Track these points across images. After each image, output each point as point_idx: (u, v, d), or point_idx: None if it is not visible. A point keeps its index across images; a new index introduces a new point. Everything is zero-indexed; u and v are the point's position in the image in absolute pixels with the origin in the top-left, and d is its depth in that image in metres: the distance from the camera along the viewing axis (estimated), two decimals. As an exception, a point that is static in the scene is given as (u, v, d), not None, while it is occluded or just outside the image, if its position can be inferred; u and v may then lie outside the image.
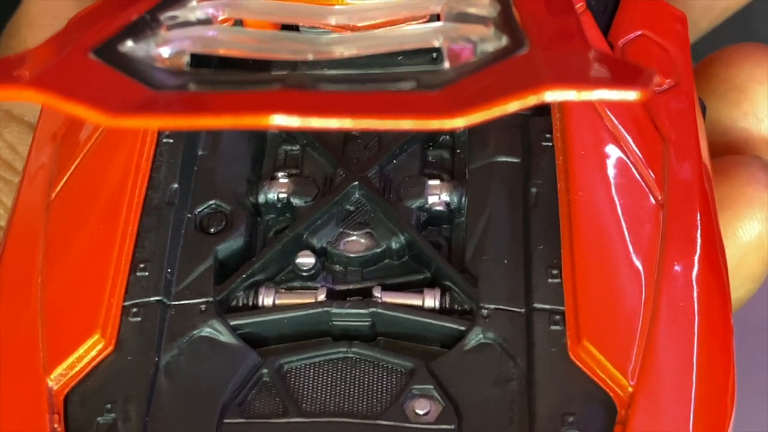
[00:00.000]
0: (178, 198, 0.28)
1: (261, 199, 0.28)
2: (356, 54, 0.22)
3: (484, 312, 0.26)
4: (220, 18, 0.24)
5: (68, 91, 0.19)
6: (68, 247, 0.27)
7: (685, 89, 0.29)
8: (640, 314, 0.25)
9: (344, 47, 0.22)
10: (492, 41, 0.21)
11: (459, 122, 0.18)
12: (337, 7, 0.24)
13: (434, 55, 0.26)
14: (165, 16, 0.24)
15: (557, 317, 0.25)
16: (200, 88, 0.20)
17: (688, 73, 0.30)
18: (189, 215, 0.28)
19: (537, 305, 0.26)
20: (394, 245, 0.28)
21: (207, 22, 0.24)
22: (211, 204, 0.28)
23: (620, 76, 0.19)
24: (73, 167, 0.28)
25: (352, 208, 0.28)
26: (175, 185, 0.28)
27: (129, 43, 0.22)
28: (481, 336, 0.26)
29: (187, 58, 0.22)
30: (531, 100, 0.18)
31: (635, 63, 0.19)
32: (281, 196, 0.28)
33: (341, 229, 0.28)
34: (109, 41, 0.22)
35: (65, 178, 0.28)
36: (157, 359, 0.25)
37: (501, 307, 0.26)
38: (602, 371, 0.24)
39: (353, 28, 0.24)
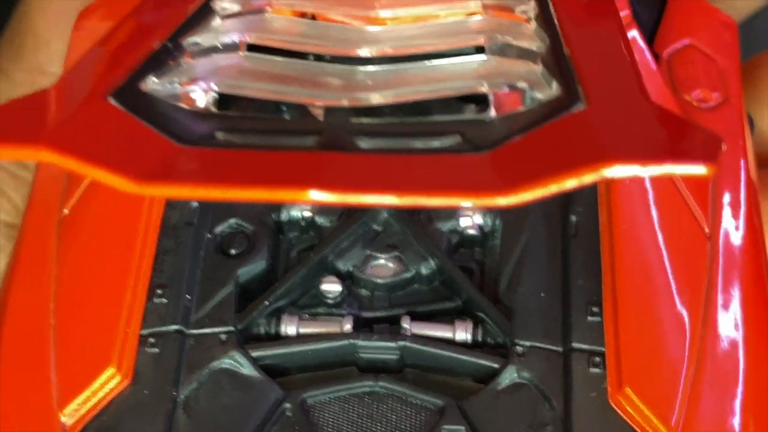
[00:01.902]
0: (198, 217, 0.26)
1: (284, 217, 0.27)
2: (393, 102, 0.20)
3: (519, 349, 0.25)
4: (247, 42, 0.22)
5: (88, 152, 0.18)
6: (82, 269, 0.26)
7: (734, 105, 0.28)
8: (684, 359, 0.24)
9: (381, 94, 0.20)
10: (542, 88, 0.20)
11: (512, 200, 0.16)
12: (370, 29, 0.23)
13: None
14: (188, 41, 0.22)
15: (597, 359, 0.24)
16: (228, 138, 0.19)
17: (737, 86, 0.28)
18: (209, 235, 0.26)
19: (576, 345, 0.24)
20: (423, 271, 0.26)
21: (233, 47, 0.22)
22: (232, 223, 0.27)
23: (687, 149, 0.17)
24: (86, 181, 0.26)
25: (379, 229, 0.27)
26: (195, 203, 0.26)
27: (152, 80, 0.20)
28: (516, 375, 0.24)
29: (212, 98, 0.20)
30: (589, 178, 0.17)
31: (702, 129, 0.18)
32: (305, 214, 0.27)
33: (368, 252, 0.27)
34: (130, 80, 0.20)
35: (78, 193, 0.26)
36: (175, 393, 0.24)
37: (537, 344, 0.25)
38: (644, 421, 0.23)
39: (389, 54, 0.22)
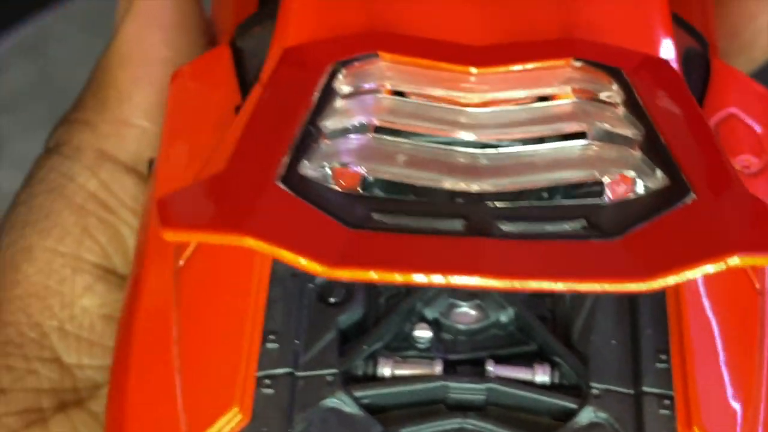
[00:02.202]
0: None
1: None
2: (519, 188, 0.23)
3: (595, 391, 0.28)
4: (375, 124, 0.25)
5: (280, 238, 0.20)
6: (201, 317, 0.28)
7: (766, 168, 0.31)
8: (744, 402, 0.27)
9: (509, 180, 0.23)
10: (647, 175, 0.23)
11: (651, 287, 0.20)
12: (475, 112, 0.26)
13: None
14: (324, 125, 0.25)
15: (666, 402, 0.27)
16: (386, 220, 0.22)
17: None
18: (311, 285, 0.29)
19: (646, 389, 0.27)
20: (502, 318, 0.29)
21: (362, 129, 0.25)
22: None
23: None
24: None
25: None
26: None
27: (306, 164, 0.23)
28: (593, 415, 0.27)
29: (359, 180, 0.23)
30: (720, 267, 0.20)
31: None
32: None
33: (451, 300, 0.29)
34: (290, 165, 0.23)
35: (191, 247, 0.29)
36: (290, 431, 0.27)
37: (611, 387, 0.28)
38: (711, 458, 0.26)
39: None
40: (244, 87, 0.32)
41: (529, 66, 0.28)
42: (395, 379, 0.28)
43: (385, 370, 0.29)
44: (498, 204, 0.23)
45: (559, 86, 0.27)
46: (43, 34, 0.81)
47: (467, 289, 0.26)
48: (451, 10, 0.30)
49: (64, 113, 0.37)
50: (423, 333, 0.29)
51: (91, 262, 0.34)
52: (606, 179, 0.23)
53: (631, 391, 0.28)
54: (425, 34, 0.29)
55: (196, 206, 0.21)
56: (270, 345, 0.28)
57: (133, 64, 0.35)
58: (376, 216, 0.22)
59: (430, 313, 0.29)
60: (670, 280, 0.19)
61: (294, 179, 0.22)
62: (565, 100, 0.26)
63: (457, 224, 0.22)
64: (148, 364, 0.28)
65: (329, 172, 0.23)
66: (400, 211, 0.22)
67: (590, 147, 0.25)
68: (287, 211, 0.21)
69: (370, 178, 0.24)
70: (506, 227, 0.21)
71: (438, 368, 0.28)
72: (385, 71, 0.27)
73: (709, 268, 0.20)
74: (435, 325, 0.29)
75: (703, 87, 0.32)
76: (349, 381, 0.28)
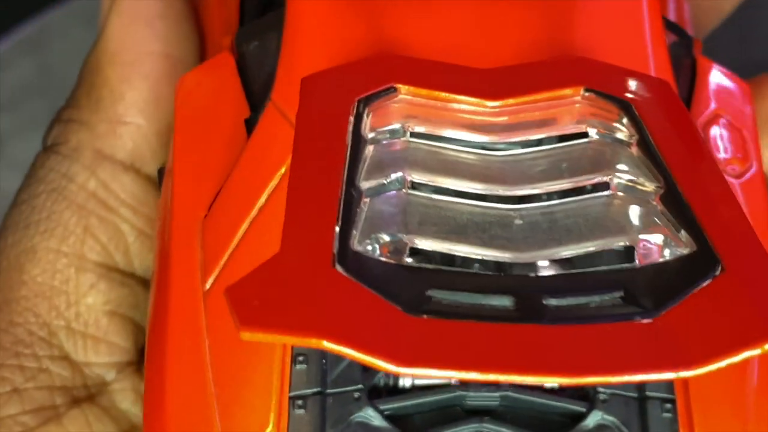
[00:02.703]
0: None
1: None
2: (554, 257, 0.25)
3: (602, 396, 0.30)
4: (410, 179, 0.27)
5: (353, 339, 0.22)
6: (232, 340, 0.30)
7: (758, 172, 0.33)
8: (747, 407, 0.30)
9: (548, 251, 0.25)
10: (675, 238, 0.25)
11: (698, 373, 0.22)
12: (499, 163, 0.27)
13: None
14: (360, 185, 0.26)
15: (668, 405, 0.30)
16: (441, 299, 0.23)
17: (758, 152, 0.33)
18: None
19: (650, 393, 0.30)
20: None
21: (399, 184, 0.27)
22: None
23: None
24: (225, 258, 0.30)
25: None
26: None
27: (355, 235, 0.25)
28: (601, 417, 0.30)
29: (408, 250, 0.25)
30: (758, 352, 0.22)
31: None
32: None
33: None
34: (342, 240, 0.24)
35: (218, 269, 0.30)
36: None
37: (617, 392, 0.30)
38: (711, 458, 0.29)
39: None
40: (249, 96, 0.33)
41: (541, 96, 0.29)
42: (415, 390, 0.30)
43: (406, 381, 0.31)
44: (541, 274, 0.25)
45: (574, 125, 0.28)
46: (44, 29, 0.80)
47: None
48: (452, 28, 0.31)
49: (58, 110, 0.37)
50: None
51: (94, 261, 0.35)
52: (636, 244, 0.25)
53: (636, 396, 0.30)
54: (430, 55, 0.30)
55: (265, 303, 0.22)
56: (299, 366, 0.30)
57: (123, 62, 0.36)
58: (430, 293, 0.24)
59: None
60: (713, 367, 0.22)
61: (348, 258, 0.24)
62: (583, 140, 0.28)
63: (507, 301, 0.23)
64: (184, 389, 0.29)
65: (378, 245, 0.25)
66: (452, 287, 0.24)
67: (615, 203, 0.26)
68: (350, 300, 0.23)
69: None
70: (553, 303, 0.23)
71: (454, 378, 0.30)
72: (406, 109, 0.28)
73: (748, 354, 0.22)
74: None
75: (690, 86, 0.34)
76: (374, 394, 0.30)
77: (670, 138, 0.27)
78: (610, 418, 0.30)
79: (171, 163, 0.33)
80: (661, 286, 0.24)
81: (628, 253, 0.26)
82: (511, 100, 0.29)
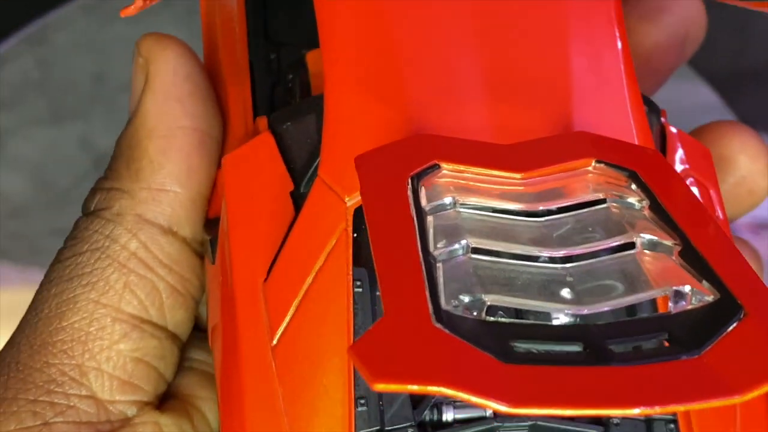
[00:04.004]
0: None
1: None
2: (605, 308, 0.30)
3: (615, 420, 0.35)
4: (471, 245, 0.32)
5: (467, 384, 0.27)
6: (302, 389, 0.34)
7: (724, 220, 0.39)
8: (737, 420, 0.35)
9: (594, 304, 0.30)
10: (699, 287, 0.30)
11: (746, 398, 0.27)
12: (539, 227, 0.32)
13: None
14: (433, 253, 0.31)
15: (672, 426, 0.35)
16: (522, 346, 0.28)
17: (722, 204, 0.39)
18: None
19: (655, 416, 0.35)
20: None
21: (463, 251, 0.31)
22: None
23: None
24: (288, 316, 0.35)
25: None
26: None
27: (442, 298, 0.29)
28: None
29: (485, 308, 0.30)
30: None
31: None
32: None
33: None
34: (435, 301, 0.29)
35: (283, 326, 0.35)
36: None
37: (627, 416, 0.36)
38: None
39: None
40: (291, 171, 0.38)
41: (558, 168, 0.34)
42: (457, 423, 0.35)
43: (449, 416, 0.35)
44: (599, 324, 0.30)
45: (591, 193, 0.34)
46: (43, 25, 0.81)
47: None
48: (469, 108, 0.36)
49: (97, 181, 0.41)
50: None
51: (129, 313, 0.39)
52: (669, 294, 0.30)
53: (643, 419, 0.36)
54: (455, 131, 0.35)
55: (386, 358, 0.27)
56: (360, 408, 0.34)
57: (160, 136, 0.40)
58: (513, 343, 0.28)
59: None
60: (756, 393, 0.27)
61: (443, 317, 0.28)
62: (602, 206, 0.33)
63: (577, 347, 0.28)
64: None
65: (461, 304, 0.30)
66: (529, 337, 0.29)
67: (644, 259, 0.32)
68: (454, 352, 0.27)
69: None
70: (614, 347, 0.28)
71: (489, 411, 0.35)
72: (452, 184, 0.33)
73: None
74: None
75: (662, 150, 0.40)
76: (422, 429, 0.35)
77: (674, 201, 0.33)
78: None
79: (225, 234, 0.37)
80: (696, 328, 0.29)
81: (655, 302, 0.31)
82: (533, 172, 0.34)
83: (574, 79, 0.37)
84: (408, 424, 0.34)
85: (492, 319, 0.29)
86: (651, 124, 0.39)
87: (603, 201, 0.34)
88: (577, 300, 0.30)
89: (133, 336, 0.39)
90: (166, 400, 0.41)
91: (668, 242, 0.32)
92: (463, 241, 0.31)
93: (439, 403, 0.35)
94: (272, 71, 0.43)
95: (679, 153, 0.40)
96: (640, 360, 0.28)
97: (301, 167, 0.37)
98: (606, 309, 0.30)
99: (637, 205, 0.33)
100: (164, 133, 0.40)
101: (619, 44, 0.38)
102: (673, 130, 0.40)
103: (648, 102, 0.40)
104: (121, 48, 0.79)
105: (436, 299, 0.29)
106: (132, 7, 0.36)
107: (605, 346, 0.28)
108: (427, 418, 0.35)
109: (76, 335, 0.39)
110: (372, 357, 0.27)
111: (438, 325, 0.28)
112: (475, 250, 0.31)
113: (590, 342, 0.28)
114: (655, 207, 0.33)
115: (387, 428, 0.34)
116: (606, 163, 0.34)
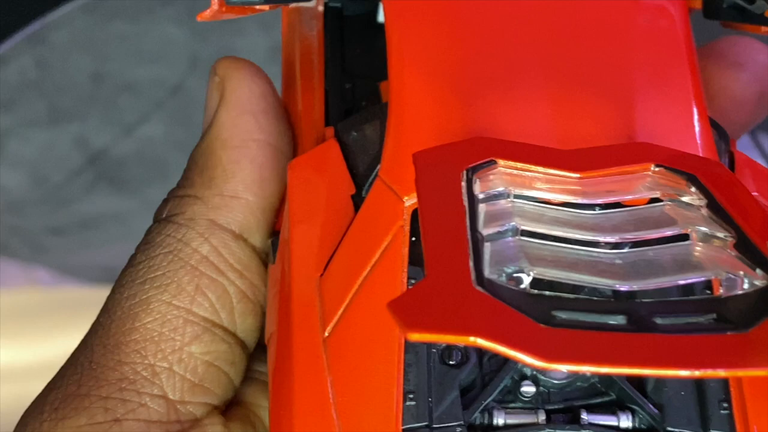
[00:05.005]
0: None
1: None
2: (654, 287, 0.30)
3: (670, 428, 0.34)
4: (521, 227, 0.31)
5: (500, 335, 0.26)
6: (352, 380, 0.34)
7: None
8: None
9: (645, 281, 0.30)
10: (750, 273, 0.30)
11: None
12: (594, 218, 0.32)
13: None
14: (480, 231, 0.31)
15: (725, 405, 0.34)
16: (567, 317, 0.28)
17: None
18: (434, 350, 0.35)
19: (713, 431, 0.34)
20: (587, 373, 0.36)
21: (512, 233, 0.31)
22: None
23: None
24: (342, 309, 0.35)
25: None
26: None
27: (486, 268, 0.29)
28: None
29: (529, 281, 0.29)
30: None
31: None
32: None
33: None
34: (477, 270, 0.29)
35: (336, 318, 0.35)
36: None
37: (684, 430, 0.34)
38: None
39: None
40: (354, 177, 0.38)
41: (616, 170, 0.34)
42: (508, 428, 0.35)
43: (499, 420, 0.35)
44: (646, 300, 0.29)
45: (649, 191, 0.33)
46: (42, 25, 0.83)
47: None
48: (534, 116, 0.37)
49: (172, 189, 0.42)
50: (528, 389, 0.35)
51: (201, 316, 0.40)
52: (721, 278, 0.30)
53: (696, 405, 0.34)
54: (516, 138, 0.35)
55: (423, 312, 0.27)
56: (409, 403, 0.34)
57: (233, 147, 0.41)
58: (555, 313, 0.28)
59: (528, 371, 0.36)
60: None
61: (485, 282, 0.28)
62: (659, 204, 0.33)
63: (621, 319, 0.28)
64: (311, 425, 0.33)
65: (505, 275, 0.29)
66: (573, 308, 0.28)
67: (696, 248, 0.31)
68: (492, 311, 0.27)
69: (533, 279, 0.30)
70: (660, 321, 0.28)
71: (542, 417, 0.35)
72: (506, 177, 0.33)
73: None
74: (533, 380, 0.36)
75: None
76: (472, 430, 0.34)
77: (734, 203, 0.32)
78: None
79: (287, 233, 0.38)
80: (746, 311, 0.28)
81: (710, 288, 0.31)
82: (591, 173, 0.34)
83: (640, 91, 0.37)
84: (457, 423, 0.34)
85: (536, 291, 0.29)
86: (719, 148, 0.39)
87: (659, 200, 0.33)
88: (624, 278, 0.30)
89: (205, 339, 0.40)
90: (230, 406, 0.41)
91: (723, 234, 0.31)
92: (512, 223, 0.31)
93: (490, 408, 0.35)
94: (346, 99, 0.44)
95: (749, 178, 0.39)
96: (685, 331, 0.27)
97: (363, 172, 0.38)
98: (654, 286, 0.29)
99: (695, 204, 0.33)
100: (238, 144, 0.41)
101: (688, 64, 0.38)
102: (745, 157, 0.40)
103: (716, 126, 0.40)
104: (119, 48, 0.80)
105: (479, 266, 0.29)
106: (208, 12, 0.37)
107: (650, 319, 0.28)
108: (477, 421, 0.35)
109: (148, 335, 0.39)
110: (409, 310, 0.27)
111: (479, 288, 0.28)
112: (525, 233, 0.31)
113: (635, 315, 0.28)
114: (713, 206, 0.32)
115: (435, 425, 0.34)
116: (665, 167, 0.34)
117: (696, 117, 0.38)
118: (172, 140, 0.89)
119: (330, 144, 0.39)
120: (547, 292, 0.29)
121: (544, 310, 0.28)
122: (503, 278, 0.29)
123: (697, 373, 0.26)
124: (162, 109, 0.87)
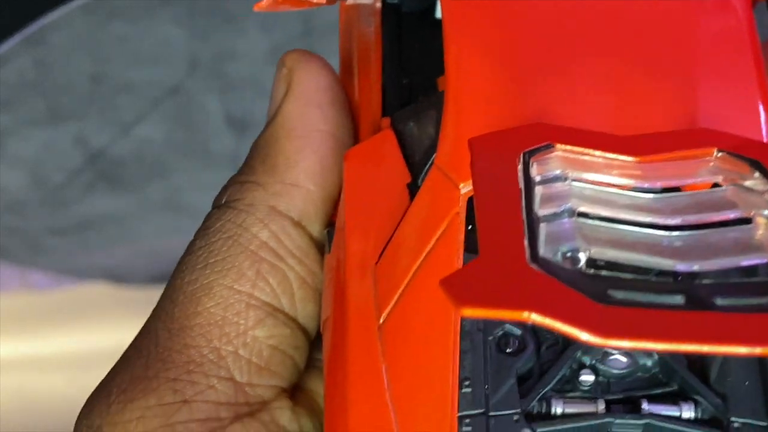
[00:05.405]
0: (482, 324, 0.34)
1: None
2: (714, 268, 0.29)
3: (736, 425, 0.33)
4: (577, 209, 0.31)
5: (555, 311, 0.26)
6: (407, 366, 0.34)
7: None
8: None
9: (702, 261, 0.29)
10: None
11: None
12: (656, 201, 0.32)
13: None
14: (536, 211, 0.30)
15: None
16: (623, 297, 0.27)
17: None
18: (490, 338, 0.34)
19: None
20: (648, 363, 0.35)
21: (569, 214, 0.31)
22: (504, 327, 0.35)
23: None
24: (397, 296, 0.34)
25: None
26: None
27: (541, 248, 0.29)
28: None
29: (584, 261, 0.29)
30: None
31: None
32: None
33: (605, 349, 0.35)
34: (531, 248, 0.28)
35: (391, 305, 0.34)
36: None
37: (748, 421, 0.34)
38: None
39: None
40: (410, 166, 0.38)
41: (678, 155, 0.33)
42: (566, 417, 0.34)
43: (558, 409, 0.34)
44: (704, 281, 0.29)
45: (711, 175, 0.33)
46: (42, 25, 0.84)
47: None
48: (594, 104, 0.36)
49: (232, 176, 0.42)
50: (587, 377, 0.35)
51: (262, 300, 0.40)
52: None
53: (765, 423, 0.34)
54: (575, 125, 0.35)
55: (476, 288, 0.26)
56: (465, 390, 0.33)
57: (298, 136, 0.41)
58: (611, 292, 0.27)
59: (587, 360, 0.35)
60: None
61: (539, 261, 0.28)
62: (723, 188, 0.32)
63: (679, 299, 0.27)
64: (366, 410, 0.33)
65: (560, 254, 0.29)
66: (629, 288, 0.28)
67: (759, 231, 0.30)
68: (547, 288, 0.27)
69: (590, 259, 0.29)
70: (721, 302, 0.27)
71: (601, 407, 0.34)
72: (564, 160, 0.33)
73: None
74: (592, 369, 0.35)
75: None
76: (529, 419, 0.34)
77: None
78: None
79: (342, 222, 0.37)
80: None
81: None
82: (651, 157, 0.33)
83: (702, 80, 0.37)
84: (514, 411, 0.33)
85: (592, 271, 0.28)
86: None
87: (720, 185, 0.33)
88: (685, 258, 0.29)
89: (268, 323, 0.40)
90: (294, 392, 0.41)
91: None
92: (569, 205, 0.31)
93: (548, 397, 0.34)
94: (404, 95, 0.44)
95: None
96: (746, 311, 0.27)
97: (419, 161, 0.38)
98: (714, 267, 0.29)
99: (758, 189, 0.32)
100: (302, 133, 0.41)
101: (752, 53, 0.38)
102: None
103: None
104: (118, 48, 0.80)
105: (534, 245, 0.28)
106: (265, 2, 0.37)
107: (709, 299, 0.27)
108: (535, 410, 0.34)
109: (212, 319, 0.39)
110: (462, 287, 0.27)
111: (533, 266, 0.28)
112: (582, 215, 0.31)
113: (694, 295, 0.27)
114: None
115: (491, 413, 0.33)
116: (728, 153, 0.33)
117: (761, 105, 0.37)
118: (171, 141, 0.90)
119: (386, 134, 0.39)
120: (603, 272, 0.28)
121: (600, 289, 0.27)
122: (558, 257, 0.29)
123: (758, 350, 0.25)
124: (161, 109, 0.88)
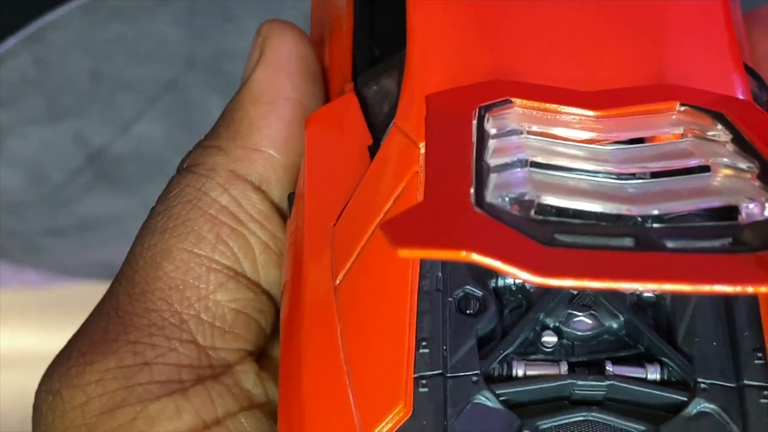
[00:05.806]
0: (442, 284, 0.34)
1: (500, 283, 0.34)
2: (666, 212, 0.28)
3: (702, 386, 0.32)
4: (530, 159, 0.30)
5: (494, 251, 0.25)
6: (362, 327, 0.33)
7: None
8: None
9: (659, 207, 0.28)
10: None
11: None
12: (612, 151, 0.31)
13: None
14: (487, 161, 0.29)
15: (766, 392, 0.32)
16: (570, 240, 0.26)
17: None
18: (450, 299, 0.34)
19: (747, 382, 0.32)
20: (613, 325, 0.34)
21: (521, 164, 0.30)
22: (466, 289, 0.34)
23: None
24: (354, 256, 0.34)
25: (575, 292, 0.34)
26: (439, 273, 0.34)
27: (488, 194, 0.28)
28: (702, 406, 0.32)
29: (534, 207, 0.28)
30: None
31: None
32: (517, 282, 0.34)
33: (569, 311, 0.34)
34: (477, 194, 0.27)
35: (348, 266, 0.33)
36: (446, 423, 0.31)
37: (716, 382, 0.33)
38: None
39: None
40: (372, 129, 0.37)
41: (640, 109, 0.32)
42: (528, 378, 0.33)
43: (519, 371, 0.33)
44: (655, 225, 0.28)
45: (671, 127, 0.32)
46: (41, 24, 0.84)
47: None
48: (558, 61, 0.35)
49: (198, 141, 0.41)
50: (550, 339, 0.34)
51: (223, 264, 0.39)
52: (740, 204, 0.28)
53: (734, 385, 0.32)
54: (538, 81, 0.34)
55: (416, 229, 0.26)
56: (422, 350, 0.32)
57: (264, 102, 0.41)
58: (558, 236, 0.27)
59: (551, 322, 0.34)
60: None
61: (485, 205, 0.27)
62: (683, 139, 0.31)
63: (628, 242, 0.26)
64: (319, 370, 0.32)
65: (507, 200, 0.28)
66: (577, 232, 0.27)
67: (717, 178, 0.29)
68: (490, 230, 0.26)
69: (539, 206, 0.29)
70: (670, 244, 0.26)
71: (564, 369, 0.33)
72: (521, 115, 0.32)
73: None
74: (556, 332, 0.34)
75: None
76: (489, 381, 0.33)
77: (762, 137, 0.30)
78: (711, 405, 0.32)
79: (302, 187, 0.37)
80: (764, 235, 0.27)
81: (730, 216, 0.29)
82: (612, 111, 0.32)
83: (671, 39, 0.36)
84: (473, 372, 0.32)
85: (540, 217, 0.28)
86: (760, 99, 0.37)
87: (682, 137, 0.32)
88: (635, 203, 0.28)
89: (230, 286, 0.39)
90: (261, 358, 0.40)
91: (746, 165, 0.29)
92: (522, 155, 0.30)
93: (509, 359, 0.33)
94: (375, 64, 0.43)
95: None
96: (695, 251, 0.26)
97: (381, 123, 0.37)
98: (667, 210, 0.28)
99: (720, 140, 0.31)
100: (268, 100, 0.40)
101: (723, 14, 0.37)
102: None
103: (756, 77, 0.38)
104: (117, 47, 0.80)
105: (480, 190, 0.28)
106: None
107: (659, 241, 0.26)
108: (495, 372, 0.33)
109: (172, 284, 0.39)
110: (401, 229, 0.26)
111: (477, 209, 0.27)
112: (536, 165, 0.30)
113: (643, 238, 0.26)
114: (739, 141, 0.31)
115: (449, 374, 0.32)
116: (691, 106, 0.32)
117: (730, 63, 0.36)
118: (170, 139, 0.89)
119: (348, 97, 0.38)
120: (552, 218, 0.28)
121: (547, 233, 0.27)
122: (506, 204, 0.28)
123: (705, 288, 0.24)
124: (160, 108, 0.87)
